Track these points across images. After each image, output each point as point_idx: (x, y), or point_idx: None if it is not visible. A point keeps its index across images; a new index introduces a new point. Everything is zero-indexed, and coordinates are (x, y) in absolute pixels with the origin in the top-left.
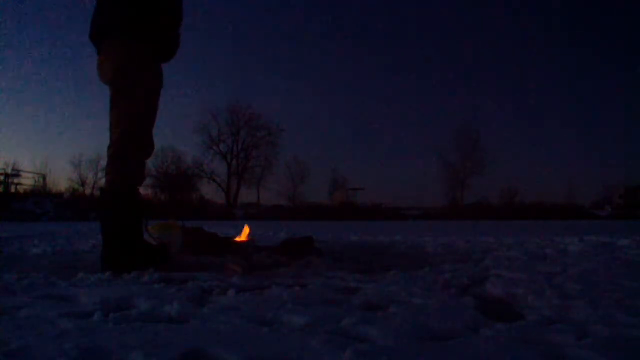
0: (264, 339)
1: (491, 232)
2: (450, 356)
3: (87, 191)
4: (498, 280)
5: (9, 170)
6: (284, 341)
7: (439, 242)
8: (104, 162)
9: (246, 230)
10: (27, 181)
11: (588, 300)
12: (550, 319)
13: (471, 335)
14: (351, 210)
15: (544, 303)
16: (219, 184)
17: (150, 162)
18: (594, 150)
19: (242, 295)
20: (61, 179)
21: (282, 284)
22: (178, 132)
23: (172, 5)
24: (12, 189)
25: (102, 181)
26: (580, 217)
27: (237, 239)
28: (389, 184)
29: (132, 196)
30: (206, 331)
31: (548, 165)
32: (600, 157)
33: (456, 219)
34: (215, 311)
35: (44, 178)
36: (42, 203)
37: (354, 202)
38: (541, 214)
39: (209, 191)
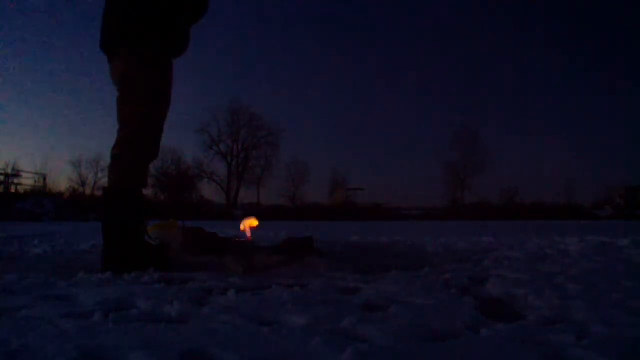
0: (264, 339)
1: (491, 232)
2: (450, 356)
3: (87, 191)
4: (498, 280)
5: (9, 170)
6: (284, 341)
7: (439, 242)
8: (104, 162)
9: (252, 222)
10: (27, 181)
11: (588, 300)
12: (550, 319)
13: (471, 335)
14: (351, 210)
15: (544, 303)
16: (219, 184)
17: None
18: (594, 150)
19: (242, 295)
20: (61, 179)
21: (282, 284)
22: (178, 132)
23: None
24: (12, 189)
25: (102, 181)
26: (580, 217)
27: (243, 223)
28: (389, 184)
29: (134, 197)
30: (206, 331)
31: (548, 165)
32: (600, 157)
33: (456, 219)
34: (215, 311)
35: (44, 178)
36: (42, 203)
37: (354, 202)
38: (541, 214)
39: (209, 191)
